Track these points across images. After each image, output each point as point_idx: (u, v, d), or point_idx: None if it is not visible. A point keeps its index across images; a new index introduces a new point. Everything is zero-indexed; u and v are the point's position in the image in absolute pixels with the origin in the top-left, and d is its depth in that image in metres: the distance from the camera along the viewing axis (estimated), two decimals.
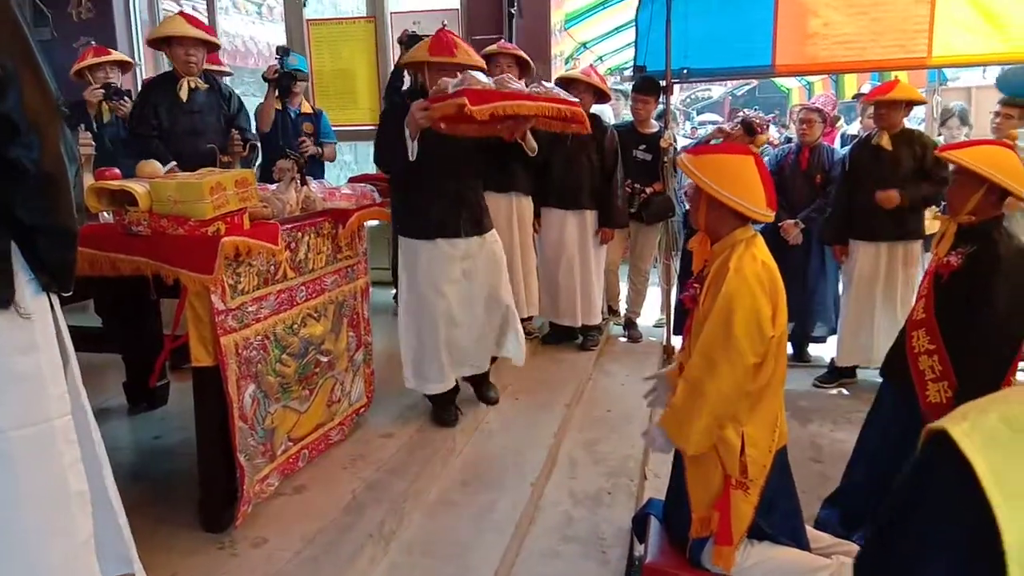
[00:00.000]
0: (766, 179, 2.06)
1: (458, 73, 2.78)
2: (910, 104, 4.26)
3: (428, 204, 3.09)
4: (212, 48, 3.93)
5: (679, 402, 2.08)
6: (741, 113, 5.22)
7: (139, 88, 5.57)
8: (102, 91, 4.09)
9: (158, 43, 3.87)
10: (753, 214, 2.03)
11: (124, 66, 4.39)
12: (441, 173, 3.08)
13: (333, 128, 5.76)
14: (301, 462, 2.74)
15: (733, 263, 2.02)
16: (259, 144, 4.14)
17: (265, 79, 4.50)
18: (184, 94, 3.78)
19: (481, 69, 3.16)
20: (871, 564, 0.57)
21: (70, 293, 1.64)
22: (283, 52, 4.44)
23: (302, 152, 4.18)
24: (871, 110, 5.23)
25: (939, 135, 5.55)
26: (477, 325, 3.28)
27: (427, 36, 4.46)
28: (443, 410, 3.27)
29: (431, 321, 3.14)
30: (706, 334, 2.03)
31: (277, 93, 4.48)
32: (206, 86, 3.83)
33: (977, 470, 0.48)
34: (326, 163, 4.99)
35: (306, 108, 4.92)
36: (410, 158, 2.87)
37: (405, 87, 4.17)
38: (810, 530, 2.33)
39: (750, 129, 4.99)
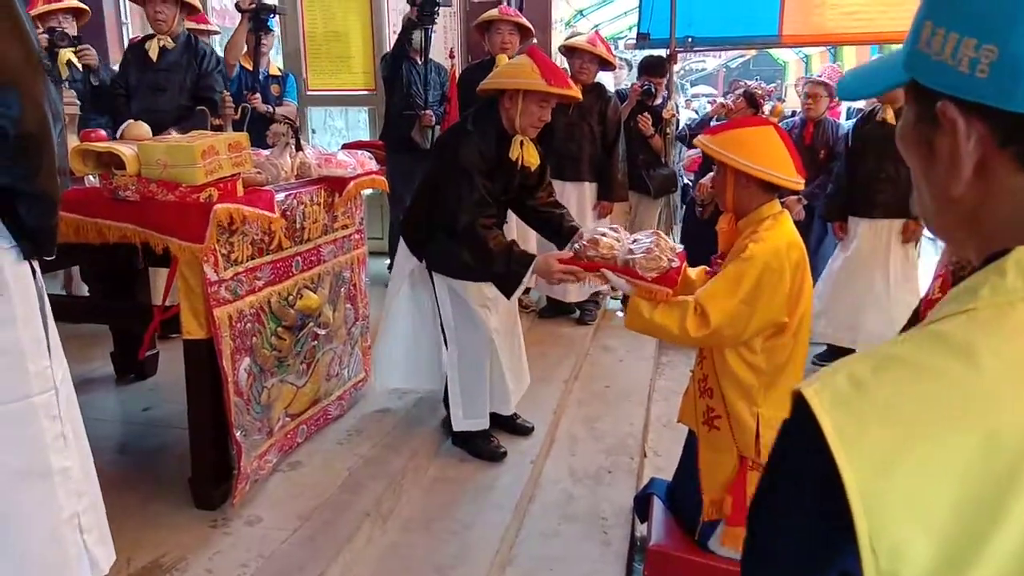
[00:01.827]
0: (790, 147, 1.98)
1: (611, 231, 2.33)
2: None
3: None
4: (189, 9, 3.80)
5: (659, 317, 2.03)
6: (742, 85, 5.10)
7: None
8: (46, 36, 3.68)
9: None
10: (785, 183, 1.96)
11: (78, 14, 4.12)
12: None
13: (325, 93, 5.65)
14: (300, 438, 2.67)
15: (760, 235, 1.95)
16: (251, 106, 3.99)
17: (239, 9, 4.24)
18: (154, 53, 3.71)
19: (578, 100, 2.84)
20: (749, 523, 0.60)
21: (52, 257, 1.54)
22: None
23: (250, 110, 4.01)
24: None
25: None
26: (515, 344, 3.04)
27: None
28: (485, 441, 2.96)
29: (486, 347, 2.84)
30: (716, 283, 1.99)
31: (251, 27, 4.28)
32: (173, 45, 3.73)
33: (823, 426, 0.50)
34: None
35: (273, 70, 4.80)
36: (510, 297, 2.63)
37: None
38: None
39: (753, 101, 4.88)
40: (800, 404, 0.52)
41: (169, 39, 3.72)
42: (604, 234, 2.29)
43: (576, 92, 2.68)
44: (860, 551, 0.48)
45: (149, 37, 3.77)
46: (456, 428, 2.91)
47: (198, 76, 3.77)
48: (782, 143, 2.00)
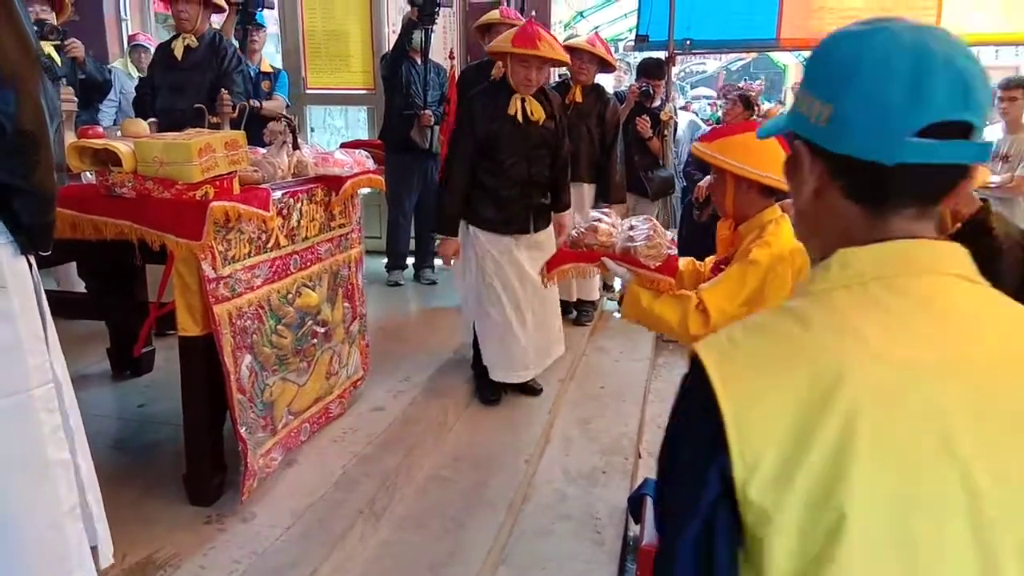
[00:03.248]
0: (786, 148, 1.99)
1: (611, 226, 2.25)
2: None
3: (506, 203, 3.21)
4: (213, 7, 3.81)
5: (659, 308, 2.00)
6: (733, 88, 5.10)
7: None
8: (35, 27, 3.78)
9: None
10: (784, 186, 1.96)
11: (58, 5, 4.08)
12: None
13: (325, 91, 5.66)
14: (303, 436, 2.66)
15: (765, 239, 1.95)
16: (250, 106, 3.99)
17: (227, 2, 4.23)
18: (179, 52, 3.75)
19: (564, 63, 3.28)
20: (662, 448, 0.79)
21: (49, 252, 1.55)
22: None
23: (248, 108, 4.02)
24: None
25: None
26: (537, 319, 3.35)
27: None
28: (490, 389, 3.39)
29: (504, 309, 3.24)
30: (720, 283, 1.97)
31: (236, 23, 4.30)
32: (197, 44, 3.74)
33: (709, 373, 0.71)
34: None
35: (265, 67, 4.81)
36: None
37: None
38: None
39: (748, 104, 4.90)
40: (696, 359, 0.74)
41: (193, 38, 3.74)
42: (600, 220, 2.24)
43: (545, 52, 2.98)
44: (732, 459, 0.69)
45: (176, 36, 3.80)
46: (493, 377, 3.34)
47: (218, 76, 3.78)
48: (778, 145, 2.00)
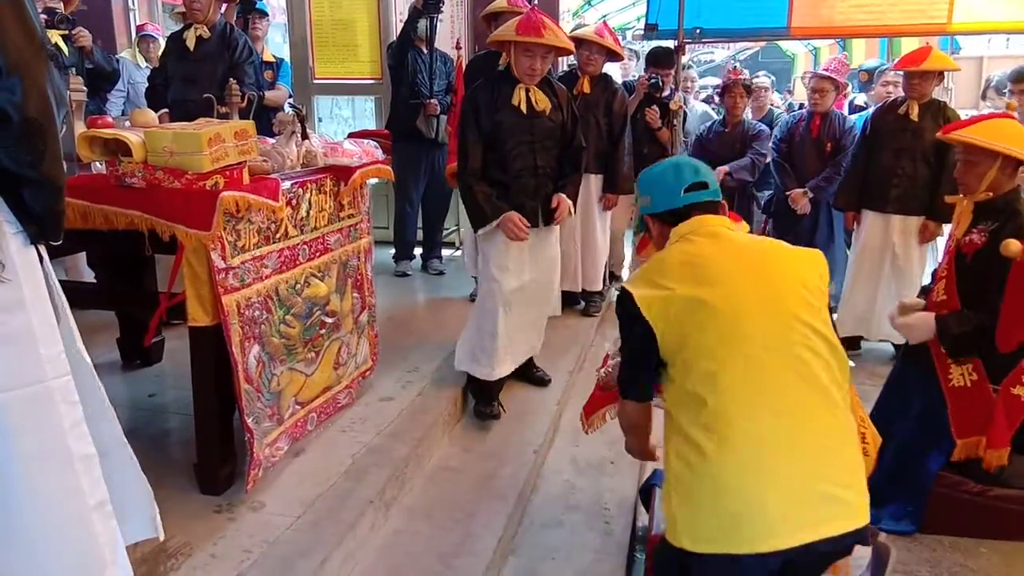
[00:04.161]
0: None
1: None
2: (941, 73, 4.11)
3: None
4: None
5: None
6: (743, 76, 5.07)
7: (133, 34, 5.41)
8: (44, 16, 3.67)
9: None
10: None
11: None
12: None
13: (332, 82, 5.65)
14: (310, 426, 2.67)
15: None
16: (257, 96, 3.98)
17: None
18: (191, 43, 3.73)
19: (569, 51, 3.27)
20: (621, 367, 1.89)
21: (59, 242, 1.54)
22: None
23: (256, 98, 4.01)
24: (883, 78, 5.09)
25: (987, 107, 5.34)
26: (531, 314, 3.31)
27: None
28: (486, 403, 3.20)
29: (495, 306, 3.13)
30: None
31: (238, 12, 4.29)
32: (209, 35, 3.73)
33: (633, 293, 1.71)
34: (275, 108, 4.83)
35: (268, 57, 4.81)
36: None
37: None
38: None
39: (748, 91, 4.93)
40: (624, 288, 1.75)
41: (205, 29, 3.72)
42: None
43: (549, 40, 2.94)
44: (646, 318, 1.68)
45: (187, 26, 3.78)
46: (456, 367, 3.22)
47: (230, 67, 3.77)
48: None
